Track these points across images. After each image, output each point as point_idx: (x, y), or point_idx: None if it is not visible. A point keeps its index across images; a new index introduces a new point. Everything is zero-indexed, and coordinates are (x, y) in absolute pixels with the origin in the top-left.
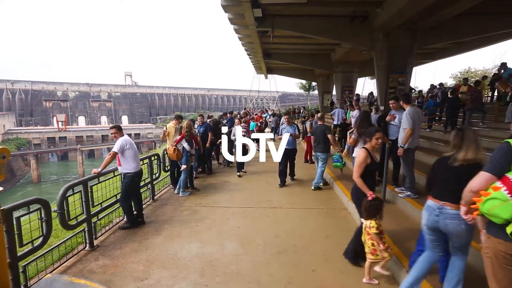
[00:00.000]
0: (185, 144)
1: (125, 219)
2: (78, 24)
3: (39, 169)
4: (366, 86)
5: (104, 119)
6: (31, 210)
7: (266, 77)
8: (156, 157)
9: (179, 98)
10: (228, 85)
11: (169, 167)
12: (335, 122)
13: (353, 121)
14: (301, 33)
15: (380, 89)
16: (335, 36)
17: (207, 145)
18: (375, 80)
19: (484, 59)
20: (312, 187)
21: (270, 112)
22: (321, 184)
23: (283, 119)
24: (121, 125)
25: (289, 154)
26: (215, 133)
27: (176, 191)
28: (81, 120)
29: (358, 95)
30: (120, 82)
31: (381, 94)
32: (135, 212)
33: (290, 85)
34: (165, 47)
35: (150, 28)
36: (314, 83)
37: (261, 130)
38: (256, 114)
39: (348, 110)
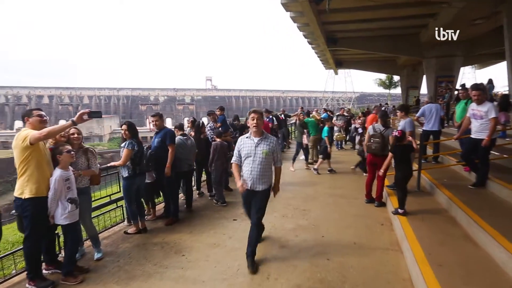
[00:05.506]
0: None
1: None
2: (170, 37)
3: None
4: (463, 80)
5: (186, 120)
6: None
7: (336, 73)
8: None
9: (255, 100)
10: (303, 87)
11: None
12: (428, 127)
13: (474, 124)
14: None
15: None
16: None
17: (166, 169)
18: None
19: None
20: None
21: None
22: None
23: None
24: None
25: None
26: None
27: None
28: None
29: (463, 85)
30: (201, 86)
31: None
32: None
33: (370, 84)
34: (243, 52)
35: (230, 34)
36: (396, 78)
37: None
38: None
39: (461, 102)
